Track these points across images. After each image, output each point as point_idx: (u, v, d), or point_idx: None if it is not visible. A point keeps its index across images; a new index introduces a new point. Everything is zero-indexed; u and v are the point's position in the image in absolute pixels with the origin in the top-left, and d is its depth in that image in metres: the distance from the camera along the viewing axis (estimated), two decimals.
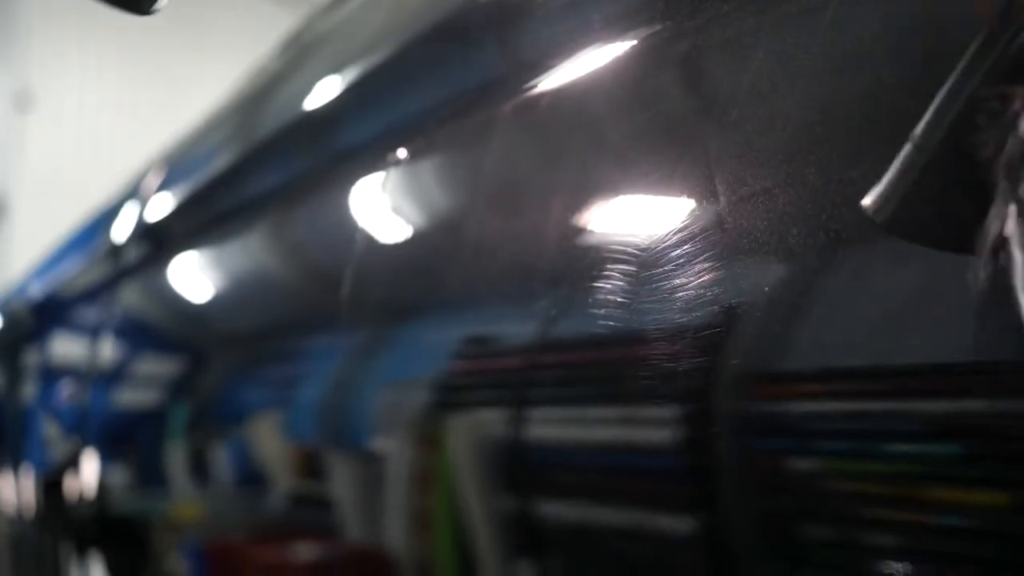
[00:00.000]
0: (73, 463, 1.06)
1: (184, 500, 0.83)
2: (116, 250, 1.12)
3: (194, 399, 0.83)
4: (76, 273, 1.26)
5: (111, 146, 3.51)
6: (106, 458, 0.99)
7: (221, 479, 0.77)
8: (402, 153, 0.59)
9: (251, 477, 0.71)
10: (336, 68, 0.76)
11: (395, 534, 0.52)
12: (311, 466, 0.63)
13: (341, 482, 0.59)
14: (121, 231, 1.14)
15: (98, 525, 1.00)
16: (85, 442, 1.04)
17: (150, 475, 0.90)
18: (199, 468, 0.80)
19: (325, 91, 0.75)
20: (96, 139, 3.61)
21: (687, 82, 0.41)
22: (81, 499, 1.03)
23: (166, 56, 3.80)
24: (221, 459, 0.77)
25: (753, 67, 0.37)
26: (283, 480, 0.66)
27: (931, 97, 0.29)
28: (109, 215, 1.24)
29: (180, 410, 0.85)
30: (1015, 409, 0.26)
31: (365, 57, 0.73)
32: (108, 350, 1.04)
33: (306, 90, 0.79)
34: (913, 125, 0.29)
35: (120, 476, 0.98)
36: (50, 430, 1.17)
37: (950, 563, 0.27)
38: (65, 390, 1.14)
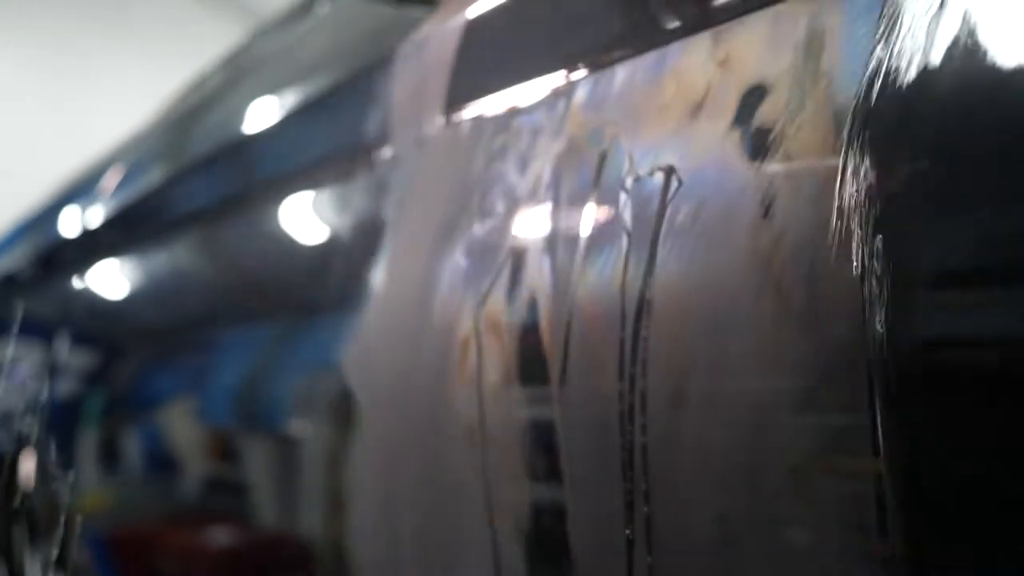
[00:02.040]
0: (26, 450, 1.00)
1: (90, 490, 0.81)
2: (66, 243, 1.09)
3: (113, 388, 0.81)
4: (21, 265, 1.19)
5: (29, 136, 3.08)
6: (56, 446, 0.95)
7: (134, 466, 0.75)
8: (318, 179, 0.59)
9: (164, 463, 0.70)
10: (269, 93, 0.75)
11: (310, 516, 0.50)
12: (226, 450, 0.61)
13: (256, 466, 0.56)
14: (69, 229, 1.10)
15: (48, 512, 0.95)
16: (40, 430, 0.98)
17: (69, 462, 0.86)
18: (111, 455, 0.78)
19: (257, 115, 0.74)
20: (12, 129, 3.16)
21: None
22: (34, 486, 0.98)
23: (84, 47, 3.35)
24: (134, 446, 0.75)
25: None
26: (198, 465, 0.64)
27: None
28: (58, 206, 1.19)
29: (97, 399, 0.83)
30: None
31: (297, 87, 0.71)
32: (63, 343, 0.99)
33: (240, 112, 0.78)
34: None
35: (62, 463, 0.93)
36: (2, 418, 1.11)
37: None
38: (19, 379, 1.07)
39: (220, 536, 0.61)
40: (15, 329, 1.10)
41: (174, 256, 0.80)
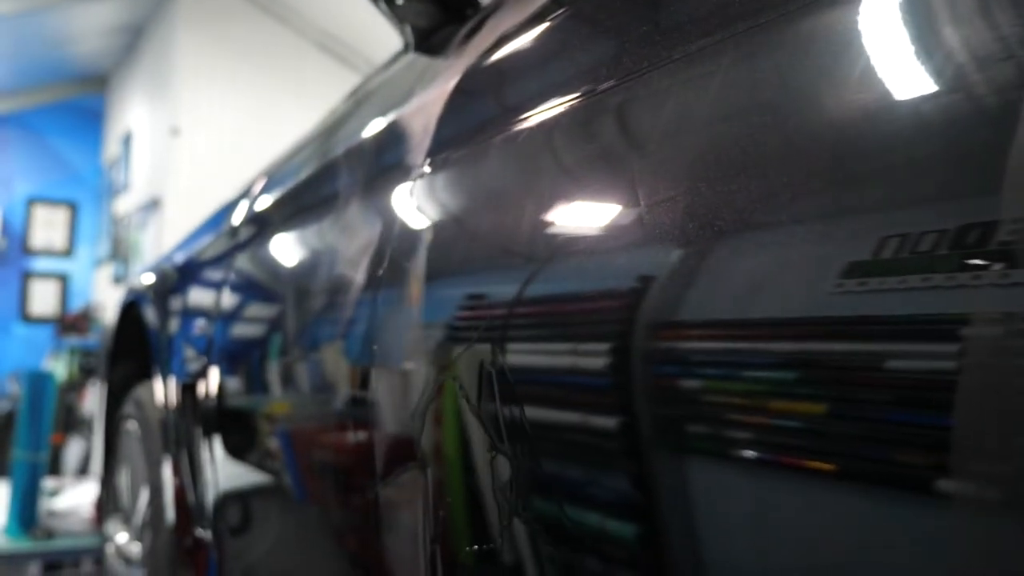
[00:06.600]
0: (202, 374, 1.06)
1: (277, 400, 0.83)
2: (234, 230, 1.12)
3: (284, 332, 0.83)
4: (207, 245, 1.25)
5: (232, 162, 3.69)
6: (224, 371, 1.00)
7: (303, 387, 0.77)
8: (427, 168, 0.59)
9: (322, 386, 0.72)
10: (379, 113, 0.77)
11: (417, 426, 0.52)
12: (363, 379, 0.62)
13: (382, 391, 0.59)
14: (237, 218, 1.13)
15: (218, 415, 1.00)
16: (210, 360, 1.04)
17: (254, 383, 0.90)
18: (288, 379, 0.80)
19: (372, 128, 0.76)
20: (222, 157, 3.85)
21: (621, 125, 0.41)
22: (207, 397, 1.04)
23: (271, 98, 4.07)
24: (303, 373, 0.77)
25: (665, 114, 0.37)
26: (343, 388, 0.66)
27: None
28: (229, 207, 1.22)
29: (275, 339, 0.86)
30: (824, 350, 0.27)
31: (397, 107, 0.73)
32: (227, 298, 1.04)
33: (360, 128, 0.80)
34: (777, 154, 0.30)
35: (233, 383, 0.98)
36: (187, 352, 1.17)
37: (784, 450, 0.28)
38: (197, 326, 1.14)
39: (357, 435, 0.62)
40: (207, 288, 1.12)
41: (319, 231, 0.79)
